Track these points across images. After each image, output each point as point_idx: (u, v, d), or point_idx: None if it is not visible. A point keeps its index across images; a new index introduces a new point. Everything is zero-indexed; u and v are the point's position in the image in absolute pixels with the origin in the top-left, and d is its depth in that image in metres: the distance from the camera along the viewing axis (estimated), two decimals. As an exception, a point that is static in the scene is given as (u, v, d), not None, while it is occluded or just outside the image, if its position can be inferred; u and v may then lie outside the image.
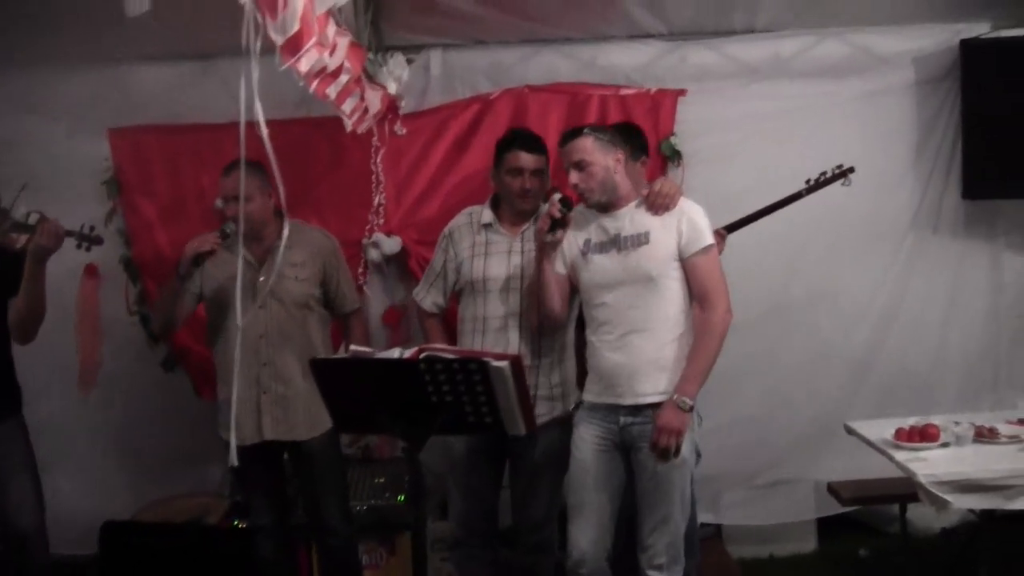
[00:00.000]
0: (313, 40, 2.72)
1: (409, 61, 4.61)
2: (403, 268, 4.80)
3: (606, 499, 3.45)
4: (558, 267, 3.55)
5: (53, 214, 4.55)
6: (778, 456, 4.94)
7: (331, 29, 2.88)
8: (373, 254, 4.69)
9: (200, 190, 4.73)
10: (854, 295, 4.90)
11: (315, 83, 2.97)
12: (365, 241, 4.71)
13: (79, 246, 3.80)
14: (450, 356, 2.76)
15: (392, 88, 4.47)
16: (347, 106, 3.47)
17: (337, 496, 4.07)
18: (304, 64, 2.72)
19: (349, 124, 3.65)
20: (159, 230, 4.78)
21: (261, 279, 3.86)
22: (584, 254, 3.49)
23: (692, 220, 3.41)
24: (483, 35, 4.73)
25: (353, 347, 2.96)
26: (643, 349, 3.37)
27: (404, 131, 4.73)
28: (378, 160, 4.72)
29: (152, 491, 4.82)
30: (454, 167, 4.76)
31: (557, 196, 3.44)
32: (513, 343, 3.67)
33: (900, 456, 3.68)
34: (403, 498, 4.54)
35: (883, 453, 3.78)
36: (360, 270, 4.70)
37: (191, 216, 4.71)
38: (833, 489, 4.54)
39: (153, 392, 4.89)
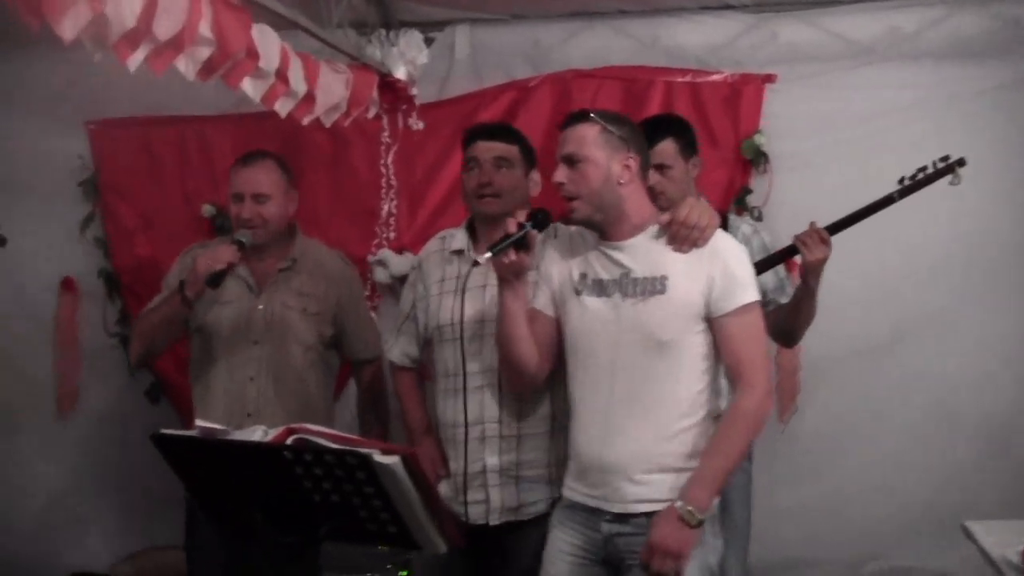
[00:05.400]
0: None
1: (428, 41, 4.03)
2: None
3: None
4: (539, 302, 2.80)
5: (24, 219, 4.25)
6: (888, 542, 4.08)
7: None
8: (380, 274, 4.07)
9: (185, 193, 4.27)
10: (994, 335, 3.99)
11: (135, 56, 2.35)
12: (371, 259, 4.11)
13: None
14: (326, 443, 2.19)
15: (402, 73, 3.87)
16: (251, 89, 2.85)
17: None
18: (69, 29, 2.09)
19: (285, 111, 3.06)
20: (140, 238, 4.31)
21: (260, 307, 3.30)
22: (578, 292, 2.71)
23: (729, 267, 2.60)
24: (520, 8, 4.11)
25: (199, 422, 2.37)
26: (639, 438, 2.59)
27: (421, 125, 4.09)
28: (389, 160, 4.15)
29: (132, 536, 4.42)
30: (482, 169, 4.12)
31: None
32: (490, 406, 2.97)
33: (1022, 589, 2.79)
34: (407, 574, 3.93)
35: (1000, 580, 2.90)
36: (367, 293, 4.05)
37: (175, 223, 4.25)
38: (950, 600, 3.67)
39: (136, 425, 4.40)
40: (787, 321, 3.32)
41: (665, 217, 2.67)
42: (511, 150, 3.05)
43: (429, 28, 4.09)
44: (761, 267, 3.26)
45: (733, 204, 3.97)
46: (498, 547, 3.00)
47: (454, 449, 3.02)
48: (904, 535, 4.07)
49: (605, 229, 2.69)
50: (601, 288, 2.68)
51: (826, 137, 3.98)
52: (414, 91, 4.02)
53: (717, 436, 2.58)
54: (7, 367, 4.46)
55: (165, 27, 2.37)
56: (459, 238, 3.12)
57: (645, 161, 2.73)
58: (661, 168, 3.28)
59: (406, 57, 3.90)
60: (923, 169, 3.18)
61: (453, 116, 4.09)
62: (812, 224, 3.13)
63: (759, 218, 3.92)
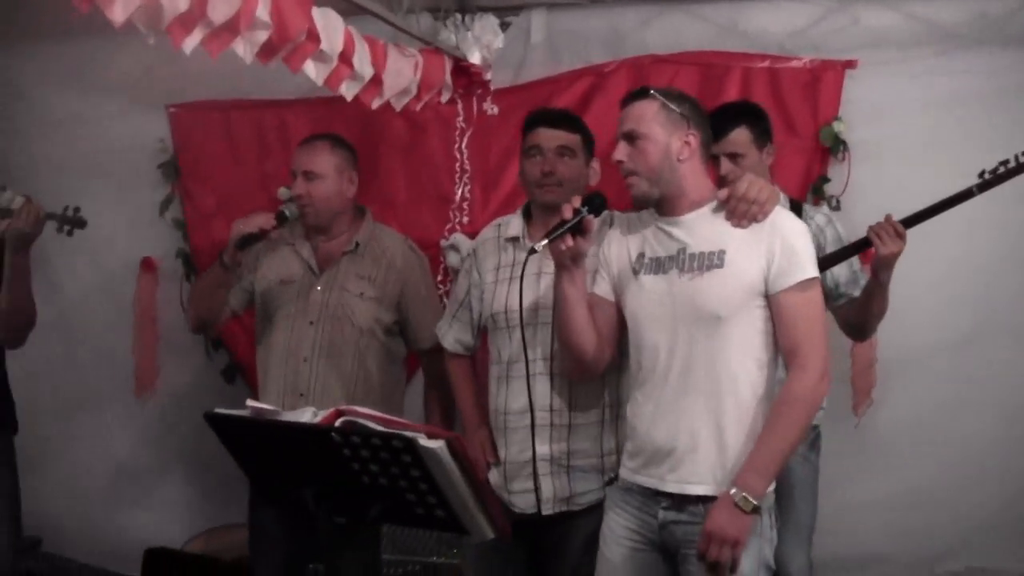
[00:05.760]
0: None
1: (504, 25, 4.01)
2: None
3: None
4: (599, 288, 2.78)
5: (105, 200, 4.35)
6: (964, 542, 3.99)
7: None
8: (453, 258, 4.07)
9: (262, 177, 4.32)
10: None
11: (190, 40, 2.39)
12: (443, 243, 4.12)
13: (59, 229, 3.45)
14: (372, 426, 2.19)
15: (476, 57, 3.87)
16: (313, 72, 2.88)
17: None
18: (120, 12, 2.13)
19: (350, 95, 3.11)
20: (218, 220, 4.35)
21: (318, 288, 3.34)
22: (636, 272, 2.69)
23: (788, 242, 2.55)
24: (597, -10, 4.04)
25: (250, 402, 2.40)
26: (698, 418, 2.56)
27: (496, 110, 4.09)
28: (463, 145, 4.13)
29: (206, 513, 4.52)
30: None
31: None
32: (541, 395, 2.94)
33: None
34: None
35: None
36: (439, 278, 4.09)
37: (252, 205, 4.12)
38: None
39: (212, 404, 4.45)
40: (858, 315, 3.27)
41: (724, 192, 2.64)
42: (574, 139, 3.03)
43: (505, 12, 4.05)
44: (834, 259, 3.22)
45: (810, 193, 3.88)
46: (550, 536, 2.99)
47: (504, 437, 3.01)
48: (981, 535, 3.98)
49: (663, 205, 2.67)
50: (658, 265, 2.66)
51: (907, 125, 3.85)
52: (488, 76, 4.01)
53: (771, 421, 2.53)
54: (91, 346, 4.61)
55: (220, 10, 2.40)
56: (515, 225, 3.10)
57: (706, 138, 2.69)
58: (734, 157, 3.25)
59: (481, 42, 3.90)
60: (1004, 163, 3.09)
61: (528, 101, 4.00)
62: (888, 217, 3.07)
63: (837, 207, 3.84)
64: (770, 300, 2.56)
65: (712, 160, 3.26)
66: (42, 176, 4.36)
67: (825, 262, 3.23)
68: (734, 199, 2.60)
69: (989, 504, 3.94)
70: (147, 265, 4.47)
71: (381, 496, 2.26)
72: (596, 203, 2.65)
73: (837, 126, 3.86)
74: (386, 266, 3.38)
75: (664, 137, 2.61)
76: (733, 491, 2.47)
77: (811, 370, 2.51)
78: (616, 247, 2.78)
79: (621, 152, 2.64)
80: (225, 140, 4.37)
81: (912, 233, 3.12)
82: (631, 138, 2.63)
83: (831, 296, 3.31)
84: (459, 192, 4.15)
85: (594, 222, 2.65)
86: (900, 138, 3.86)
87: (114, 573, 4.52)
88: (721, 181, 3.28)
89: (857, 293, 3.26)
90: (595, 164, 3.10)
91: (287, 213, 3.29)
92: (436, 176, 4.18)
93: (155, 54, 4.12)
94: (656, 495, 2.62)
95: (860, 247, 3.17)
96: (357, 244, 3.37)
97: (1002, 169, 3.08)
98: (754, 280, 2.55)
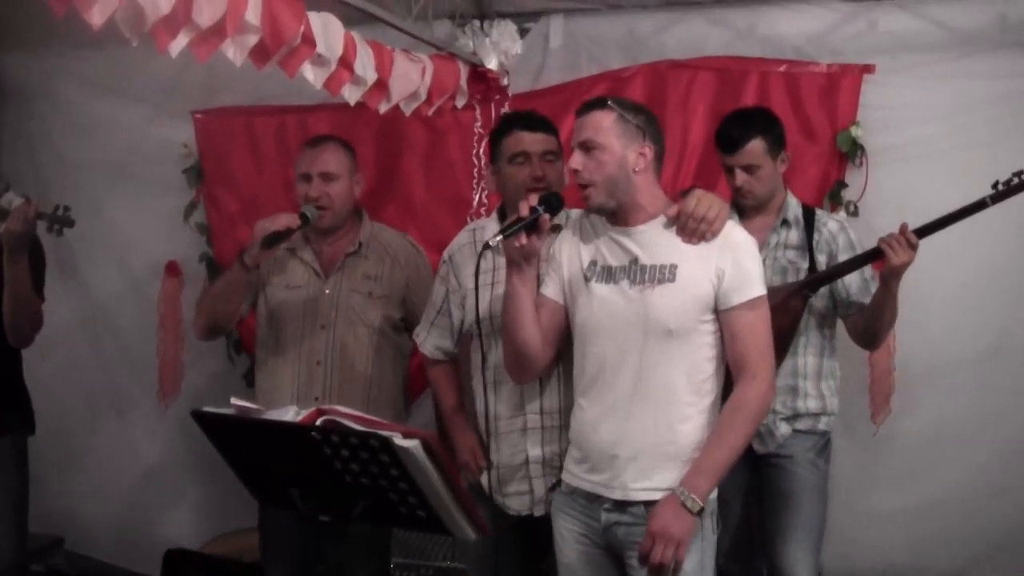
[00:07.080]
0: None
1: (523, 31, 4.09)
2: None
3: None
4: (547, 289, 2.80)
5: (131, 204, 4.47)
6: (991, 552, 3.97)
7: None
8: (470, 261, 4.14)
9: (285, 182, 4.34)
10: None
11: (176, 43, 2.40)
12: (460, 246, 4.17)
13: (50, 229, 3.47)
14: (351, 425, 2.23)
15: (493, 63, 3.95)
16: (311, 75, 2.91)
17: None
18: (98, 15, 2.13)
19: (354, 99, 3.11)
20: (241, 225, 4.44)
21: (327, 291, 3.38)
22: (587, 279, 2.72)
23: (739, 259, 2.61)
24: (615, -3, 4.09)
25: (234, 400, 2.43)
26: (645, 426, 2.61)
27: (514, 115, 4.14)
28: (481, 151, 4.17)
29: (227, 516, 4.52)
30: (575, 159, 4.13)
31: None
32: (531, 398, 2.96)
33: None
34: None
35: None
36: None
37: (275, 211, 4.16)
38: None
39: (234, 408, 4.60)
40: (868, 324, 3.28)
41: (673, 210, 2.66)
42: (554, 142, 3.06)
43: (524, 19, 4.13)
44: (845, 268, 3.24)
45: (827, 199, 3.90)
46: (543, 535, 2.98)
47: (496, 441, 2.99)
48: (1004, 549, 3.96)
49: (616, 216, 2.70)
50: (609, 275, 2.69)
51: (925, 130, 3.86)
52: (505, 81, 4.08)
53: (718, 427, 2.60)
54: (116, 348, 4.73)
55: (206, 13, 2.38)
56: (491, 229, 3.07)
57: (660, 150, 2.71)
58: (749, 168, 3.28)
59: (499, 47, 3.97)
60: (1019, 173, 3.08)
61: (547, 107, 3.93)
62: (903, 227, 3.08)
63: (854, 213, 3.86)
64: (720, 315, 2.62)
65: (727, 171, 3.33)
66: (71, 179, 4.51)
67: (835, 272, 3.27)
68: (684, 216, 2.63)
69: (1013, 517, 3.92)
70: (171, 269, 4.56)
71: (363, 495, 2.30)
72: (553, 203, 2.67)
73: (855, 131, 3.88)
74: (390, 263, 3.42)
75: (620, 148, 2.63)
76: (679, 490, 2.53)
77: (760, 380, 2.59)
78: (568, 251, 2.81)
79: (576, 161, 2.66)
80: (248, 146, 4.47)
81: (938, 242, 3.15)
82: (587, 148, 2.65)
83: (842, 305, 3.33)
84: (477, 196, 4.21)
85: (548, 222, 2.66)
86: (918, 143, 3.88)
87: (135, 573, 4.61)
88: (736, 193, 3.33)
89: (868, 302, 3.28)
90: (564, 167, 3.09)
91: (307, 214, 3.32)
92: (455, 180, 4.25)
93: (183, 61, 4.30)
94: (599, 497, 2.67)
95: (871, 257, 3.18)
96: (360, 244, 3.41)
97: (1016, 180, 3.08)
98: (705, 296, 2.61)
